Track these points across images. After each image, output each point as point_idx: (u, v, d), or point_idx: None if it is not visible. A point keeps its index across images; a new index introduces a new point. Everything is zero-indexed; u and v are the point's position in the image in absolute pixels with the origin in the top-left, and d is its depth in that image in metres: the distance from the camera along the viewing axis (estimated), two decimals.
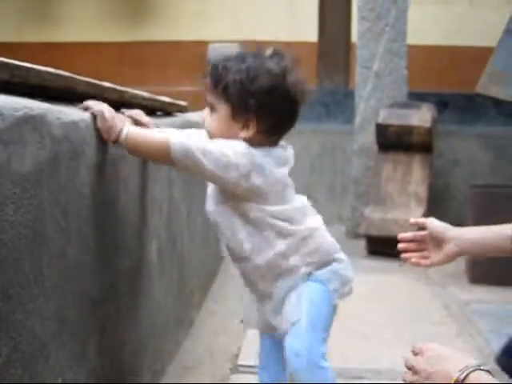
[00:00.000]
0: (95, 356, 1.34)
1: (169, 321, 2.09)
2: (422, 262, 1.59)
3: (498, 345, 2.30)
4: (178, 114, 2.48)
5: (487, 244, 1.51)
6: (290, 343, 1.53)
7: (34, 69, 1.17)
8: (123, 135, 1.40)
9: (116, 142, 1.40)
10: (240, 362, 2.11)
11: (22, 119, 0.98)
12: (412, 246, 1.60)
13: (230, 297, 2.74)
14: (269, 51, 1.53)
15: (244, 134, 1.48)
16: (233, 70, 1.48)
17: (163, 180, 1.98)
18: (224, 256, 1.66)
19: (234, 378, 2.01)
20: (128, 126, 1.43)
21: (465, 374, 1.06)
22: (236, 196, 1.49)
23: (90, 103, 1.40)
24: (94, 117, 1.37)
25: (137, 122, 1.59)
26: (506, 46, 3.97)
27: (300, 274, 1.55)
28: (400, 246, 1.60)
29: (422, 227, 1.63)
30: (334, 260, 1.60)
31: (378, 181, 4.03)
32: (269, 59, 1.51)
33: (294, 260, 1.54)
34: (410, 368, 1.18)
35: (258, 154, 1.47)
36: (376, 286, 3.11)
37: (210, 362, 2.15)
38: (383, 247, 3.78)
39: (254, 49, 1.58)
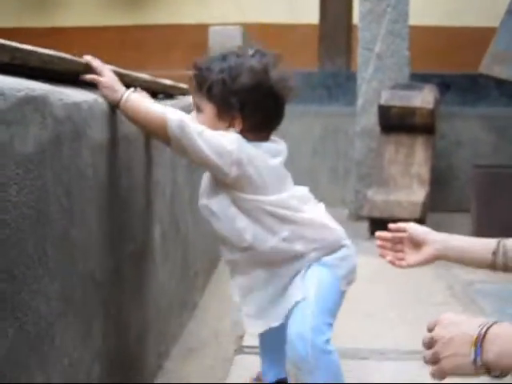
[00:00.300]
0: (100, 338, 1.35)
1: (173, 303, 2.09)
2: (397, 262, 1.60)
3: None
4: (180, 97, 2.48)
5: (468, 254, 1.51)
6: (294, 326, 1.52)
7: (34, 51, 1.16)
8: (124, 98, 1.41)
9: (117, 105, 1.41)
10: (245, 343, 2.11)
11: (23, 99, 0.98)
12: (388, 245, 1.61)
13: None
14: (251, 50, 1.56)
15: (231, 131, 1.49)
16: (215, 71, 1.51)
17: (166, 163, 1.98)
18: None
19: (239, 358, 2.01)
20: (130, 92, 1.44)
21: (485, 329, 1.06)
22: (229, 186, 1.49)
23: (94, 62, 1.40)
24: (97, 85, 1.38)
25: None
26: (508, 26, 3.94)
27: (309, 258, 1.55)
28: (378, 243, 1.61)
29: (402, 230, 1.64)
30: (342, 246, 1.60)
31: (381, 162, 4.02)
32: (250, 57, 1.53)
33: (299, 246, 1.54)
34: (427, 345, 1.17)
35: (250, 146, 1.49)
36: (379, 267, 3.08)
37: (215, 343, 2.16)
38: (386, 229, 3.79)
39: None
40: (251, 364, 1.90)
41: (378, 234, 1.63)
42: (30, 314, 1.00)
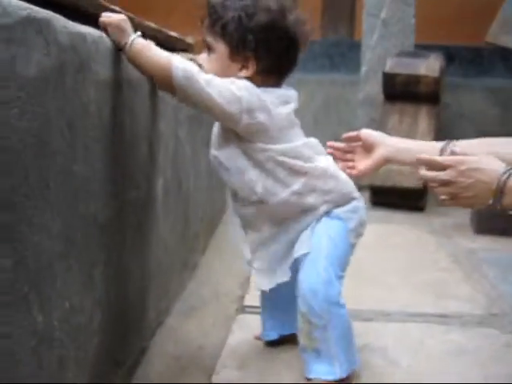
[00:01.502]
0: (102, 285, 1.30)
1: (173, 261, 2.05)
2: (347, 170, 1.57)
3: (504, 289, 2.29)
4: (183, 53, 2.40)
5: (416, 153, 1.47)
6: (305, 279, 1.49)
7: None
8: (130, 41, 1.34)
9: (123, 47, 1.34)
10: (246, 303, 2.07)
11: (26, 19, 0.92)
12: (337, 154, 1.59)
13: (233, 243, 2.70)
14: None
15: (243, 73, 1.44)
16: (231, 8, 1.44)
17: (170, 116, 1.91)
18: (228, 204, 1.62)
19: (241, 318, 1.98)
20: (138, 35, 1.37)
21: (504, 180, 1.18)
22: (239, 136, 1.44)
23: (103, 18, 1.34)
24: (105, 29, 1.32)
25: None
26: None
27: (320, 211, 1.51)
28: (327, 151, 1.58)
29: (356, 139, 1.62)
30: (352, 199, 1.56)
31: (384, 131, 3.94)
32: None
33: (311, 199, 1.50)
34: (442, 184, 1.26)
35: (260, 91, 1.42)
36: (381, 235, 3.07)
37: (216, 303, 2.12)
38: (387, 198, 3.74)
39: None
40: (253, 323, 1.87)
41: (330, 143, 1.60)
42: (30, 248, 0.94)
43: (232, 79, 1.42)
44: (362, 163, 1.56)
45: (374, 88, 4.18)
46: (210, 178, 2.76)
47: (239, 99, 1.39)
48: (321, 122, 4.82)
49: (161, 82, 1.43)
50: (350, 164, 1.58)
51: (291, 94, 1.51)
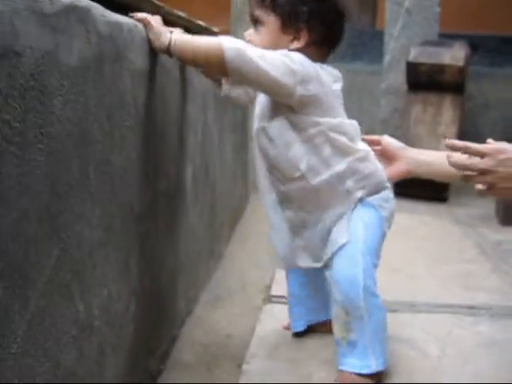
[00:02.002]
0: (137, 274, 1.30)
1: (201, 250, 2.05)
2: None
3: None
4: None
5: (438, 167, 1.48)
6: (344, 268, 1.47)
7: None
8: (172, 41, 1.33)
9: (167, 50, 1.34)
10: (273, 293, 2.07)
11: (69, 7, 0.92)
12: None
13: (257, 233, 2.70)
14: None
15: (295, 45, 1.42)
16: None
17: (198, 101, 1.91)
18: (255, 190, 1.60)
19: (268, 308, 1.98)
20: (176, 32, 1.36)
21: None
22: (292, 108, 1.42)
23: (139, 14, 1.33)
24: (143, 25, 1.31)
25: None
26: None
27: (355, 197, 1.50)
28: None
29: (376, 143, 1.63)
30: (385, 187, 1.55)
31: (408, 121, 3.93)
32: None
33: (349, 183, 1.49)
34: (480, 172, 1.24)
35: (315, 65, 1.41)
36: (406, 225, 3.05)
37: (243, 292, 2.12)
38: (411, 189, 3.70)
39: None
40: (280, 313, 1.87)
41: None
42: (72, 236, 0.95)
43: (285, 51, 1.40)
44: (384, 171, 1.56)
45: (397, 77, 4.14)
46: (233, 166, 2.76)
47: (294, 72, 1.37)
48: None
49: (215, 68, 1.39)
50: None
51: (339, 75, 1.50)
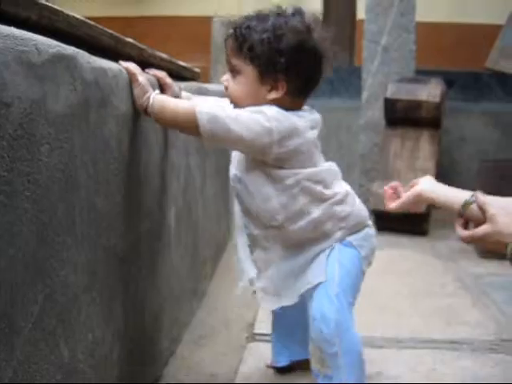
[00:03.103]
0: (121, 315, 1.30)
1: (184, 289, 2.05)
2: (388, 202, 1.59)
3: None
4: (192, 81, 2.43)
5: (443, 197, 1.50)
6: (317, 305, 1.49)
7: (62, 12, 1.12)
8: (150, 104, 1.35)
9: (145, 111, 1.36)
10: (256, 331, 2.07)
11: (56, 56, 0.94)
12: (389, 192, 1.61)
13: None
14: (289, 9, 1.47)
15: (273, 95, 1.42)
16: (258, 30, 1.41)
17: (180, 146, 1.93)
18: (235, 227, 1.62)
19: (252, 346, 1.97)
20: (154, 92, 1.38)
21: None
22: (267, 163, 1.43)
23: (126, 63, 1.36)
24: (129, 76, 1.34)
25: (160, 83, 1.54)
26: None
27: (334, 238, 1.51)
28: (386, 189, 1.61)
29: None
30: (366, 226, 1.57)
31: (386, 156, 3.98)
32: (292, 16, 1.45)
33: (328, 226, 1.50)
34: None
35: (290, 116, 1.41)
36: (387, 260, 3.07)
37: (226, 331, 2.11)
38: (391, 223, 3.75)
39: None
40: (264, 351, 1.87)
41: (390, 186, 1.62)
42: (58, 282, 0.95)
43: (260, 108, 1.40)
44: (401, 198, 1.57)
45: (375, 113, 4.21)
46: (216, 205, 2.78)
47: (270, 131, 1.37)
48: (322, 147, 4.84)
49: (188, 132, 1.43)
50: (390, 193, 1.60)
51: (318, 118, 1.51)
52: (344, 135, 4.88)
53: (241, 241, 1.60)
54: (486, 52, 4.17)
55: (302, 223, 1.47)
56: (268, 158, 1.41)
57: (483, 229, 1.38)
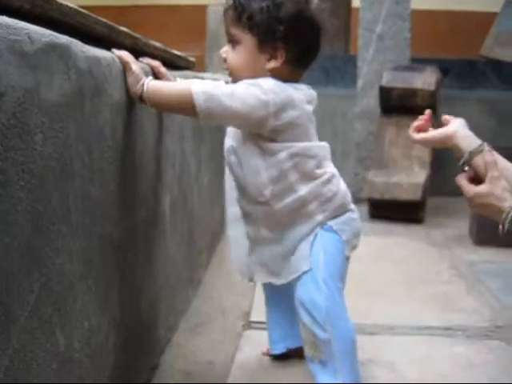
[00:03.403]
0: (117, 303, 1.31)
1: (180, 277, 2.06)
2: (413, 133, 1.59)
3: (508, 301, 2.30)
4: (185, 70, 2.43)
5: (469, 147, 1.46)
6: (307, 294, 1.49)
7: (54, 0, 1.11)
8: (145, 90, 1.35)
9: (140, 98, 1.36)
10: (252, 319, 2.08)
11: (49, 45, 0.93)
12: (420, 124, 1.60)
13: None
14: None
15: (272, 64, 1.43)
16: None
17: (176, 133, 1.93)
18: (226, 202, 1.63)
19: (248, 333, 1.98)
20: (148, 79, 1.38)
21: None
22: (262, 135, 1.44)
23: (119, 52, 1.35)
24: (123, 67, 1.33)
25: (154, 72, 1.54)
26: (511, 7, 3.92)
27: (315, 221, 1.51)
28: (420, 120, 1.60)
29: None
30: (348, 210, 1.57)
31: (381, 145, 3.99)
32: None
33: (311, 206, 1.50)
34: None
35: (289, 88, 1.42)
36: (381, 247, 3.09)
37: (222, 319, 2.12)
38: (386, 211, 3.77)
39: None
40: (260, 338, 1.88)
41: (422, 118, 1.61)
42: (54, 271, 0.96)
43: (256, 81, 1.40)
44: (429, 133, 1.55)
45: (370, 102, 4.22)
46: (211, 193, 2.78)
47: (266, 103, 1.38)
48: (318, 135, 4.84)
49: (185, 113, 1.44)
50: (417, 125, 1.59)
51: (314, 94, 1.51)
52: (340, 123, 4.88)
53: (232, 214, 1.62)
54: (481, 40, 4.16)
55: (288, 200, 1.47)
56: (264, 131, 1.42)
57: (481, 188, 1.36)
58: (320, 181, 1.49)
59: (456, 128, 1.49)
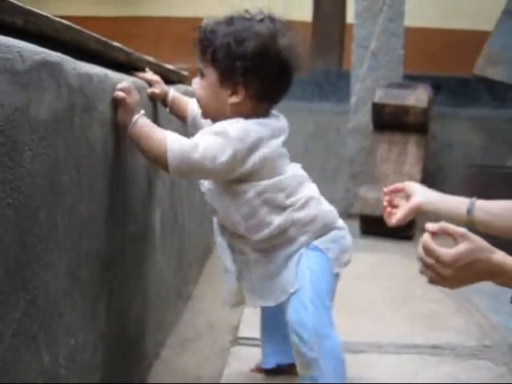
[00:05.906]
0: (104, 319, 1.31)
1: (169, 292, 2.05)
2: (388, 219, 1.62)
3: (496, 320, 2.31)
4: (179, 84, 2.44)
5: (446, 206, 1.52)
6: (294, 314, 1.49)
7: (47, 17, 1.12)
8: (129, 128, 1.35)
9: (126, 127, 1.37)
10: (240, 335, 2.08)
11: (40, 63, 0.94)
12: (388, 199, 1.64)
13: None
14: (260, 15, 1.48)
15: (234, 99, 1.44)
16: (221, 34, 1.43)
17: None
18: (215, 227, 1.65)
19: (236, 350, 1.98)
20: (139, 116, 1.37)
21: None
22: (231, 179, 1.45)
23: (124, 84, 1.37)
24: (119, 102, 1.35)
25: (150, 84, 1.56)
26: (504, 27, 3.95)
27: (299, 242, 1.51)
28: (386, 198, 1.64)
29: (399, 191, 1.66)
30: (334, 228, 1.57)
31: (373, 161, 4.01)
32: (259, 22, 1.46)
33: (291, 232, 1.51)
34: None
35: (254, 128, 1.42)
36: (371, 264, 3.09)
37: (210, 334, 2.12)
38: (377, 227, 3.76)
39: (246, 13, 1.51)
40: (248, 355, 1.88)
41: (386, 190, 1.65)
42: (40, 287, 0.96)
43: (224, 128, 1.40)
44: (399, 212, 1.59)
45: (363, 118, 4.24)
46: (202, 209, 2.78)
47: (233, 155, 1.38)
48: (310, 150, 4.86)
49: (157, 166, 1.46)
50: (389, 210, 1.63)
51: (284, 125, 1.50)
52: (332, 139, 4.89)
53: (220, 243, 1.63)
54: (474, 58, 4.19)
55: (265, 232, 1.48)
56: (231, 177, 1.44)
57: (462, 248, 1.24)
58: (292, 209, 1.49)
59: (418, 197, 1.56)
